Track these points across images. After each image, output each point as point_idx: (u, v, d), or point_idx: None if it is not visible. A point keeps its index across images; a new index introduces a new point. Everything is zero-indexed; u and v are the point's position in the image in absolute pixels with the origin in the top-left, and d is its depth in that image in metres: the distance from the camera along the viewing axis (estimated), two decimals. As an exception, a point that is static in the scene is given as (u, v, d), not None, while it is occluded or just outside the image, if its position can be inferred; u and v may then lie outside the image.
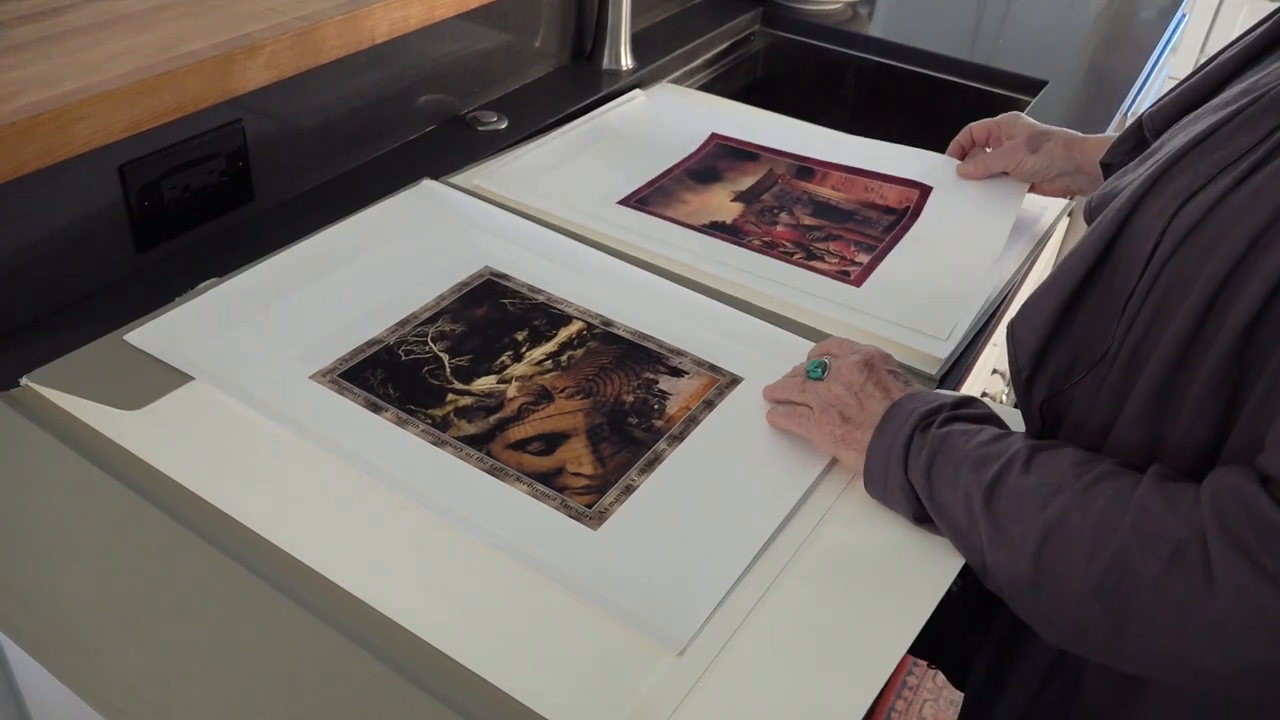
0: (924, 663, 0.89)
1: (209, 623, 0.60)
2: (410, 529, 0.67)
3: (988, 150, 1.14)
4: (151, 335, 0.80)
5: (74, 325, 0.83)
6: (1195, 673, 0.55)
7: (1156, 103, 0.77)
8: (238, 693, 0.57)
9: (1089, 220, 0.68)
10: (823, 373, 0.76)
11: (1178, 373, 0.58)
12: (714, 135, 1.22)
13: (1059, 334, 0.66)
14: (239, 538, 0.65)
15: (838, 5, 1.66)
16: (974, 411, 0.69)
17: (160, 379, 0.76)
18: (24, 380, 0.75)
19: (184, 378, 0.76)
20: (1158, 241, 0.59)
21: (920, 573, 0.67)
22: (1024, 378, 0.68)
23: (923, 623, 0.64)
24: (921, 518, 0.68)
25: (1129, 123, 0.81)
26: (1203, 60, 0.77)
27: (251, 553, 0.64)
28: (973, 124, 1.14)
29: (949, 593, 0.66)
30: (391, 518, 0.68)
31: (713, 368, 0.83)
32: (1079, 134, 1.04)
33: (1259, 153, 0.57)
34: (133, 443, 0.71)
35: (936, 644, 0.81)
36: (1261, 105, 0.58)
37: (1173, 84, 0.83)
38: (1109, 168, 0.83)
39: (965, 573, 0.68)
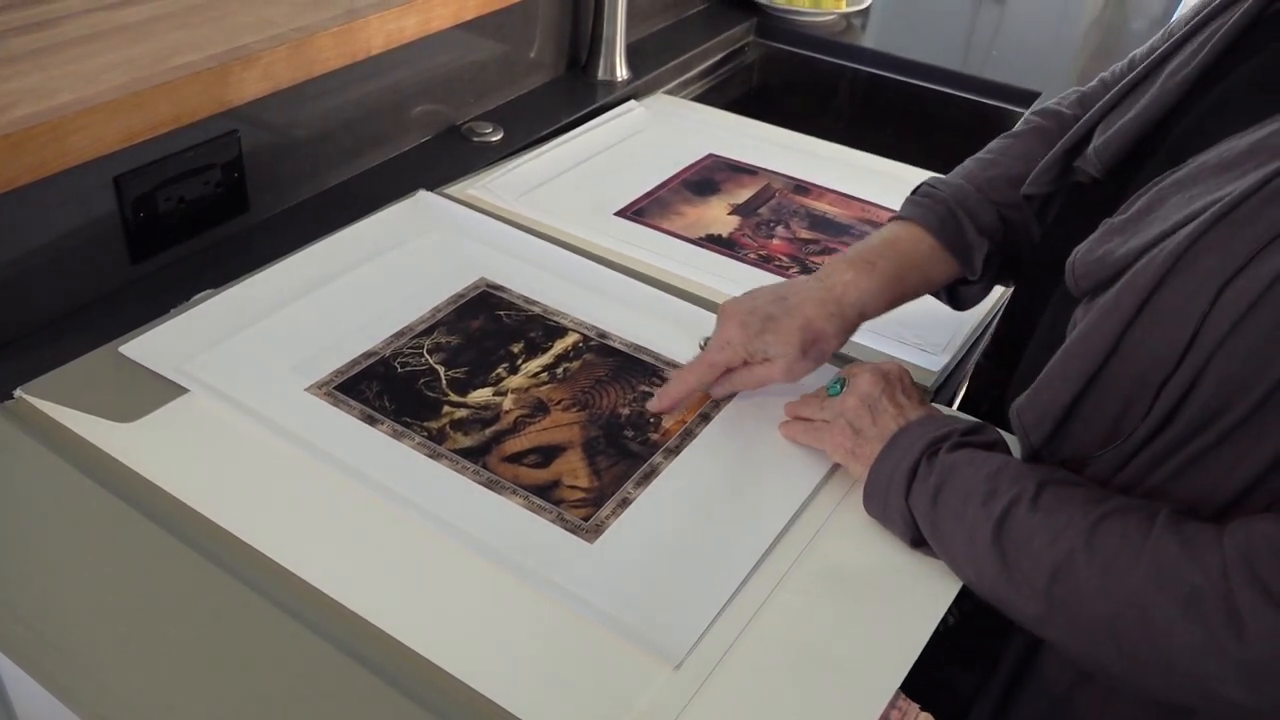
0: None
1: (202, 635, 0.60)
2: (406, 542, 0.67)
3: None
4: (146, 347, 0.80)
5: (68, 337, 0.83)
6: (1216, 701, 0.55)
7: (1087, 128, 0.73)
8: (230, 705, 0.56)
9: (1077, 287, 0.64)
10: (841, 389, 0.75)
11: (1227, 457, 0.57)
12: (711, 156, 1.22)
13: (1072, 416, 0.63)
14: (232, 550, 0.65)
15: (831, 16, 1.66)
16: (984, 438, 0.68)
17: (155, 391, 0.76)
18: (18, 392, 0.75)
19: (178, 390, 0.76)
20: (1196, 331, 0.55)
21: (920, 586, 0.67)
22: (1033, 453, 0.66)
23: (925, 638, 0.64)
24: (918, 542, 0.68)
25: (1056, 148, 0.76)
26: (1132, 72, 0.72)
27: (245, 565, 0.64)
28: (696, 370, 0.79)
29: (944, 625, 0.65)
30: (387, 531, 0.67)
31: (709, 380, 0.83)
32: (837, 299, 0.79)
33: None
34: (127, 455, 0.70)
35: (927, 682, 0.80)
36: None
37: (1096, 92, 0.78)
38: (1032, 199, 0.80)
39: (961, 603, 0.67)
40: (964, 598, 0.67)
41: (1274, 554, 0.53)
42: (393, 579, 0.64)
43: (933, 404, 0.79)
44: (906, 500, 0.67)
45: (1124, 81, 0.74)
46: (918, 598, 0.66)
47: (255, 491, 0.69)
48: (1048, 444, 0.65)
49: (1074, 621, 0.59)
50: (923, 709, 0.83)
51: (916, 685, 0.81)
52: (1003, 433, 0.71)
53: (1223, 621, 0.53)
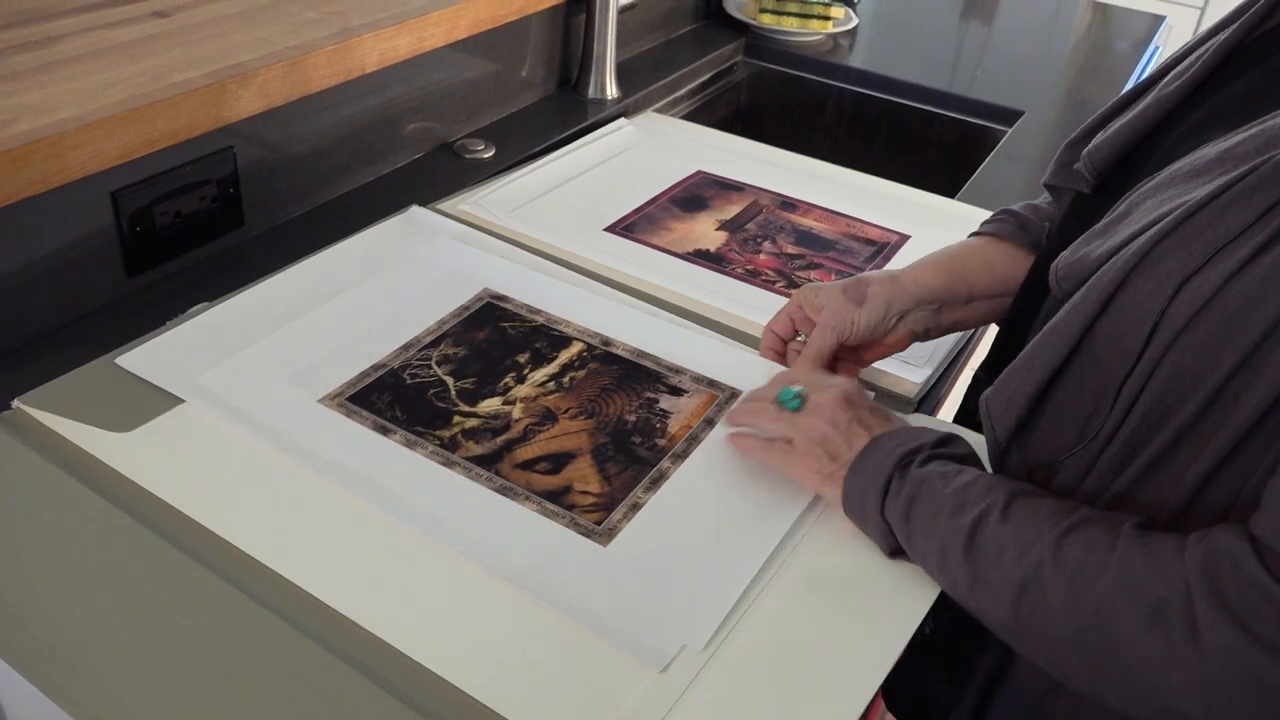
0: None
1: (200, 643, 0.60)
2: (394, 545, 0.67)
3: (801, 339, 0.87)
4: (142, 358, 0.79)
5: (66, 348, 0.83)
6: (1176, 717, 0.55)
7: (1089, 131, 0.74)
8: (226, 711, 0.56)
9: (1058, 287, 0.66)
10: (801, 405, 0.74)
11: (1183, 455, 0.58)
12: (699, 173, 1.23)
13: (1038, 411, 0.64)
14: (228, 558, 0.65)
15: (819, 36, 1.68)
16: (954, 451, 0.69)
17: (151, 401, 0.76)
18: (16, 403, 0.74)
19: (174, 400, 0.76)
20: (1154, 326, 0.57)
21: (901, 589, 0.67)
22: (1001, 449, 0.67)
23: (905, 639, 0.64)
24: (897, 552, 0.68)
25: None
26: (1140, 80, 0.74)
27: (238, 571, 0.64)
28: (770, 322, 0.88)
29: (921, 634, 0.65)
30: (379, 536, 0.68)
31: (711, 384, 0.84)
32: (895, 270, 0.86)
33: (1259, 236, 0.54)
34: (124, 464, 0.70)
35: (904, 693, 0.79)
36: (1250, 183, 0.56)
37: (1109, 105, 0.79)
38: (1052, 189, 0.81)
39: (937, 615, 0.67)
40: (941, 608, 0.67)
41: (1233, 566, 0.53)
42: (382, 583, 0.64)
43: (899, 414, 0.78)
44: (882, 514, 0.67)
45: (1125, 91, 0.75)
46: (899, 601, 0.67)
47: (249, 500, 0.69)
48: (1015, 440, 0.66)
49: (1042, 634, 0.59)
50: (900, 720, 0.83)
51: (895, 695, 0.81)
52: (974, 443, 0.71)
53: (1184, 634, 0.53)
